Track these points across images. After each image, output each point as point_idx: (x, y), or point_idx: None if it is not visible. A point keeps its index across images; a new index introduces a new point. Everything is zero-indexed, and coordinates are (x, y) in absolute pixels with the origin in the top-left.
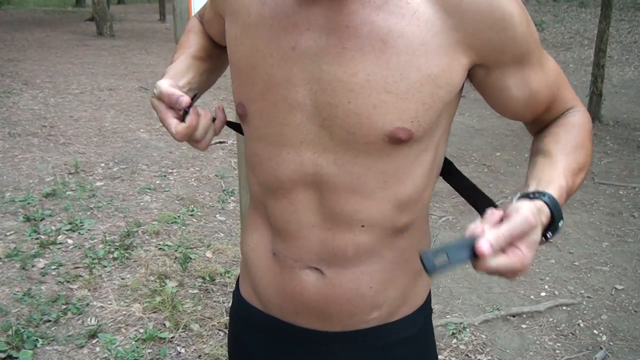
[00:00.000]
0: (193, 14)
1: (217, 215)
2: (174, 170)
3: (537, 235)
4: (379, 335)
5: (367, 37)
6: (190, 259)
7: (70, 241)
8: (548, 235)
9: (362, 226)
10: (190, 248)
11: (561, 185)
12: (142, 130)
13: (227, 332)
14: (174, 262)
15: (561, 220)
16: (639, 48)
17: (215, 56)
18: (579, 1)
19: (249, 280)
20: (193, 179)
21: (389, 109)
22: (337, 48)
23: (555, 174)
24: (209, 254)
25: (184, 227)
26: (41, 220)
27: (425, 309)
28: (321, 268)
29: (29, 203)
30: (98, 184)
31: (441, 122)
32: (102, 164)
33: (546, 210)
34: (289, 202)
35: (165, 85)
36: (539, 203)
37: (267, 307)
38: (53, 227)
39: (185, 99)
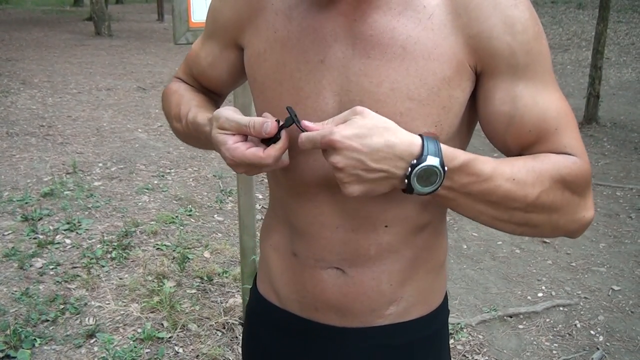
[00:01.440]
0: (192, 15)
1: (215, 216)
2: (172, 170)
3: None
4: (396, 333)
5: (388, 44)
6: (188, 259)
7: (68, 241)
8: (413, 172)
9: (386, 226)
10: (188, 248)
11: (476, 156)
12: (140, 130)
13: (243, 329)
14: (172, 262)
15: (435, 159)
16: (637, 50)
17: (213, 103)
18: (576, 3)
19: (268, 277)
20: (191, 179)
21: (414, 115)
22: (363, 58)
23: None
24: (206, 254)
25: (181, 227)
26: (39, 220)
27: (443, 311)
28: (342, 267)
29: (26, 203)
30: (96, 183)
31: (462, 130)
32: (100, 164)
33: (417, 142)
34: (314, 205)
35: (234, 114)
36: (413, 137)
37: (285, 304)
38: (51, 227)
39: (273, 122)
